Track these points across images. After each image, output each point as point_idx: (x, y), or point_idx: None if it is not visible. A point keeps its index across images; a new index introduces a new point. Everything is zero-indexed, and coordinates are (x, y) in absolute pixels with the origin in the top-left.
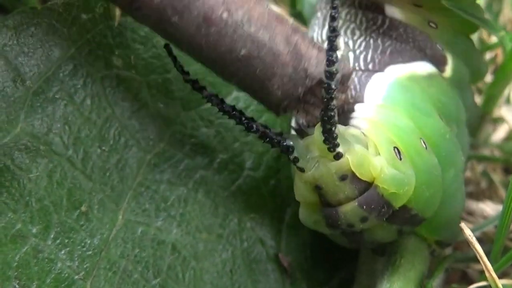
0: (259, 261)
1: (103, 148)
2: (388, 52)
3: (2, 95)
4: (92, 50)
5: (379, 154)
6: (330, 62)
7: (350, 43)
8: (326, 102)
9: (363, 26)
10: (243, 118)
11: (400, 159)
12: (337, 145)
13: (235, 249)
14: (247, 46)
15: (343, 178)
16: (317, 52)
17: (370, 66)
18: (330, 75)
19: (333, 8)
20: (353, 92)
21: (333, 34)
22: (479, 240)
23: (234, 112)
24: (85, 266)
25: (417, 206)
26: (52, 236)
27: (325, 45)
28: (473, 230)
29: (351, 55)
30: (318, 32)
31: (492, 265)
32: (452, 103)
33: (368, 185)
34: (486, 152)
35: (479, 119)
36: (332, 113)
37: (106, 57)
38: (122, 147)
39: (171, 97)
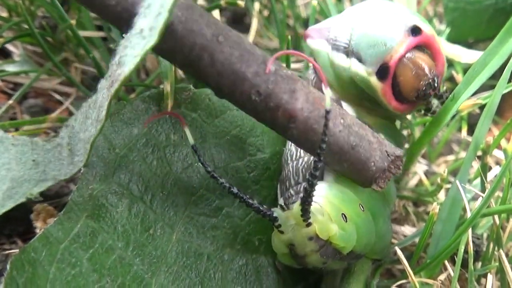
0: (263, 267)
1: (164, 192)
2: None
3: (101, 158)
4: (158, 130)
5: (331, 220)
6: (316, 168)
7: None
8: (307, 192)
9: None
10: (243, 197)
11: (346, 221)
12: (309, 218)
13: (248, 259)
14: (355, 139)
15: (310, 238)
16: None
17: None
18: (313, 176)
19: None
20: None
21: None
22: (401, 250)
23: (237, 193)
24: (152, 269)
25: (359, 249)
26: (131, 249)
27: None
28: (397, 245)
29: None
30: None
31: (412, 268)
32: None
33: (325, 242)
34: (405, 193)
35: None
36: (310, 199)
37: (167, 134)
38: (175, 192)
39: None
